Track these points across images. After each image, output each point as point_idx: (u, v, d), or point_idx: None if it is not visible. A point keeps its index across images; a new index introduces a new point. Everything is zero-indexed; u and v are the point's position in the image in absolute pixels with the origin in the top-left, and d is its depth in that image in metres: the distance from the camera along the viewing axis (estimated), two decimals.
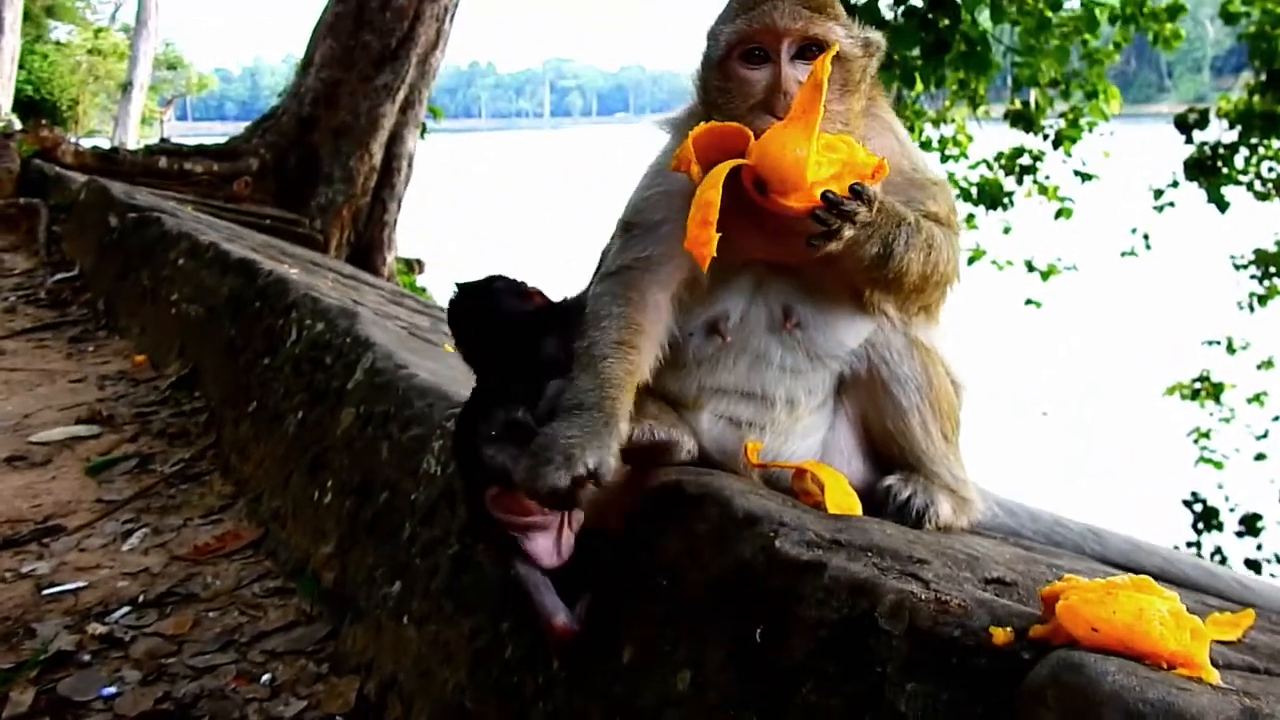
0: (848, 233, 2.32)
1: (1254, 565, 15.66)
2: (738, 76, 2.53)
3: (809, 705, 1.86)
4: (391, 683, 3.14)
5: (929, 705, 1.71)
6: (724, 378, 2.66)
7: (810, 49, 2.48)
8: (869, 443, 2.73)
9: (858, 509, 2.44)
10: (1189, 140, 16.72)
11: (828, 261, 2.40)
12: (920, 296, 2.60)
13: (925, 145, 17.90)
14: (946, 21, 12.16)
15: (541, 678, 2.48)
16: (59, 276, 10.01)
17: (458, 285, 2.87)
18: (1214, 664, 1.63)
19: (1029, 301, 18.63)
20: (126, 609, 4.01)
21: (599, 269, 2.83)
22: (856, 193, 2.29)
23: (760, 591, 2.04)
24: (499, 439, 2.47)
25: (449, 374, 4.01)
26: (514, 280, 2.87)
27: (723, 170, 2.28)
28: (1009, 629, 1.72)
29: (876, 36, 2.68)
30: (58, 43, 41.11)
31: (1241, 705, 1.47)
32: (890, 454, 2.71)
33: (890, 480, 2.63)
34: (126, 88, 34.05)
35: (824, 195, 2.27)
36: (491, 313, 2.78)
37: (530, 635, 2.56)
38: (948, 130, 18.50)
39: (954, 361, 2.75)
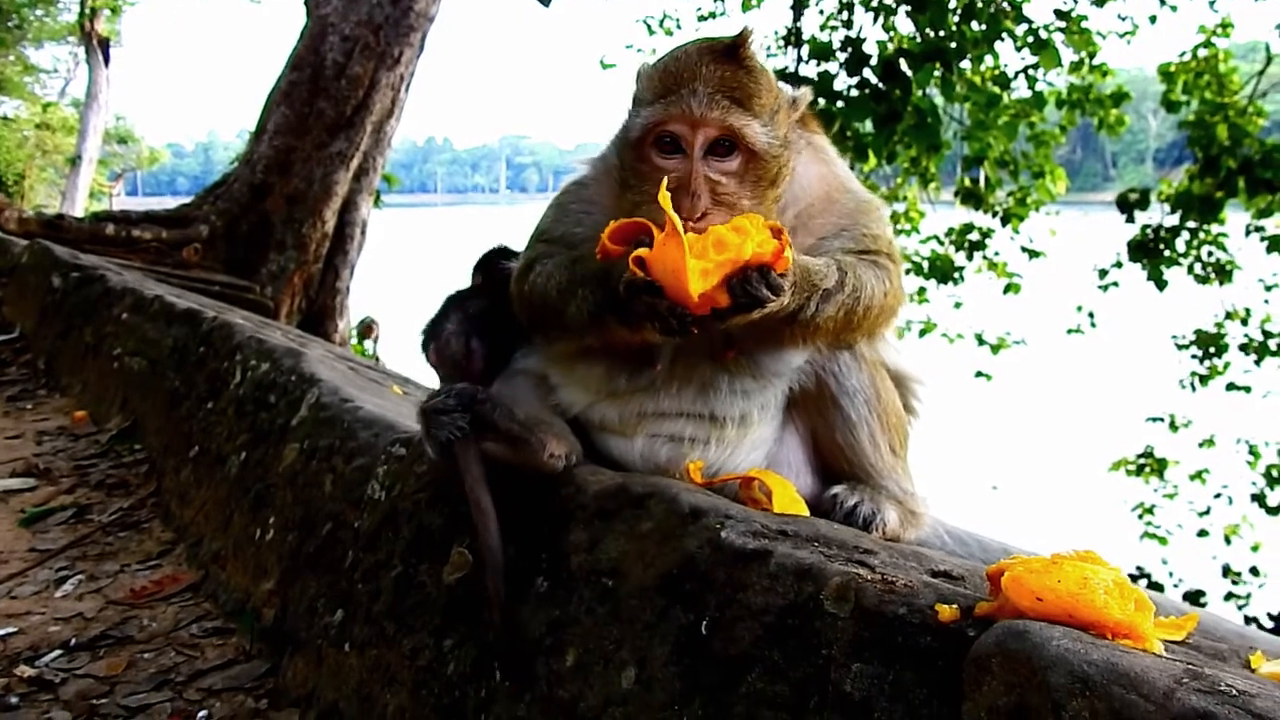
0: (758, 314, 2.34)
1: None
2: (650, 162, 2.52)
3: (755, 693, 1.83)
4: (332, 712, 3.06)
5: (875, 684, 1.69)
6: (667, 403, 2.65)
7: (725, 143, 2.46)
8: (818, 457, 2.74)
9: (806, 514, 2.43)
10: (1130, 219, 17.10)
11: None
12: (850, 335, 2.62)
13: None
14: (898, 94, 12.40)
15: (484, 690, 2.43)
16: None
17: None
18: None
19: (979, 374, 18.85)
20: (58, 652, 3.88)
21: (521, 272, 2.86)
22: (750, 294, 2.29)
23: (706, 583, 2.02)
24: (460, 310, 3.13)
25: (395, 408, 3.97)
26: None
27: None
28: (955, 607, 1.71)
29: (802, 92, 2.72)
30: (4, 118, 40.83)
31: (1185, 667, 1.46)
32: (839, 468, 2.71)
33: (837, 489, 2.63)
34: (75, 161, 33.80)
35: (714, 312, 2.30)
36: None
37: (473, 649, 2.51)
38: (899, 207, 18.82)
39: (902, 361, 2.78)
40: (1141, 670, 1.42)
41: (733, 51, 2.54)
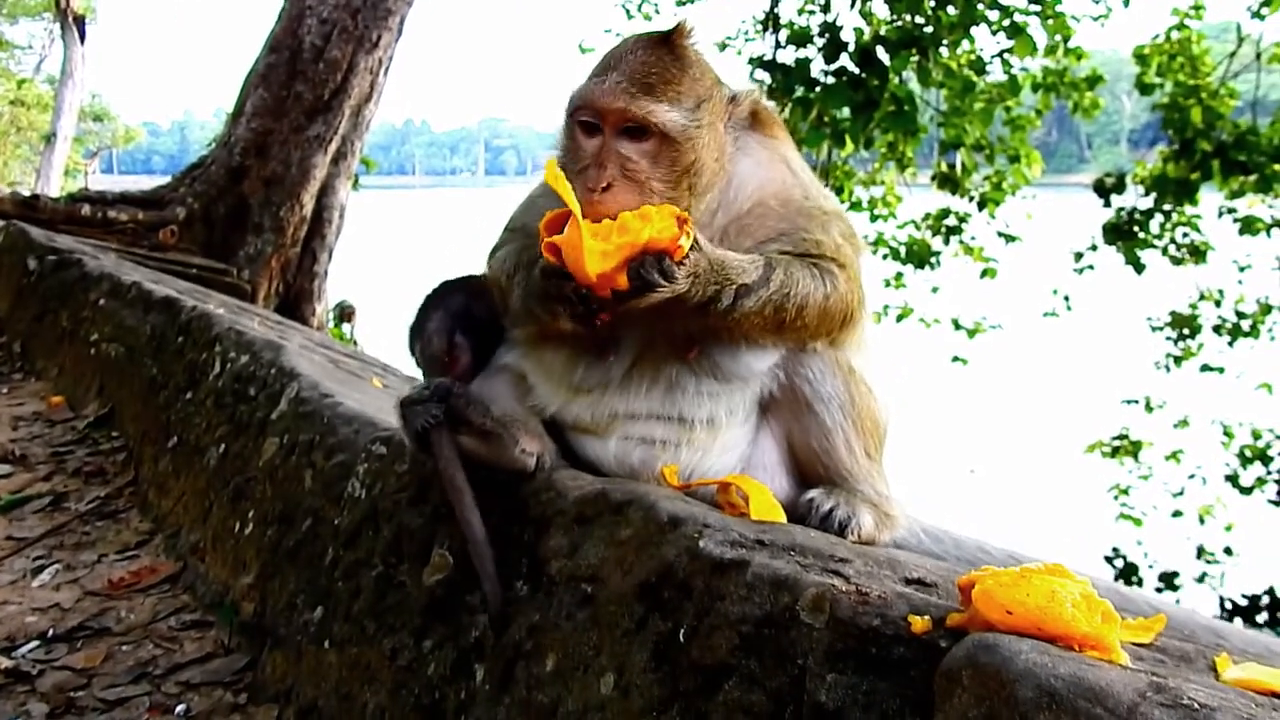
0: (655, 299, 2.39)
1: None
2: (576, 139, 2.63)
3: (732, 701, 1.86)
4: (311, 709, 3.08)
5: (849, 694, 1.72)
6: (637, 404, 2.69)
7: (638, 126, 2.54)
8: (793, 460, 2.76)
9: (782, 519, 2.46)
10: (1107, 204, 17.23)
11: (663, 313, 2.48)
12: (793, 335, 2.65)
13: (855, 205, 18.26)
14: (876, 81, 12.42)
15: (464, 691, 2.46)
16: None
17: None
18: None
19: (955, 359, 18.94)
20: (35, 643, 3.89)
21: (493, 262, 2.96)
22: (643, 278, 2.36)
23: (684, 591, 2.05)
24: (442, 308, 3.08)
25: (375, 403, 3.98)
26: None
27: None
28: (927, 618, 1.74)
29: (744, 90, 2.77)
30: None
31: (1149, 680, 1.50)
32: (815, 472, 2.74)
33: (813, 493, 2.66)
34: (50, 139, 33.35)
35: (615, 294, 2.38)
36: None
37: (453, 650, 2.53)
38: (877, 191, 18.86)
39: (878, 380, 2.79)
40: (1107, 684, 1.46)
41: (666, 40, 2.63)
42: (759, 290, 2.51)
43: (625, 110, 2.53)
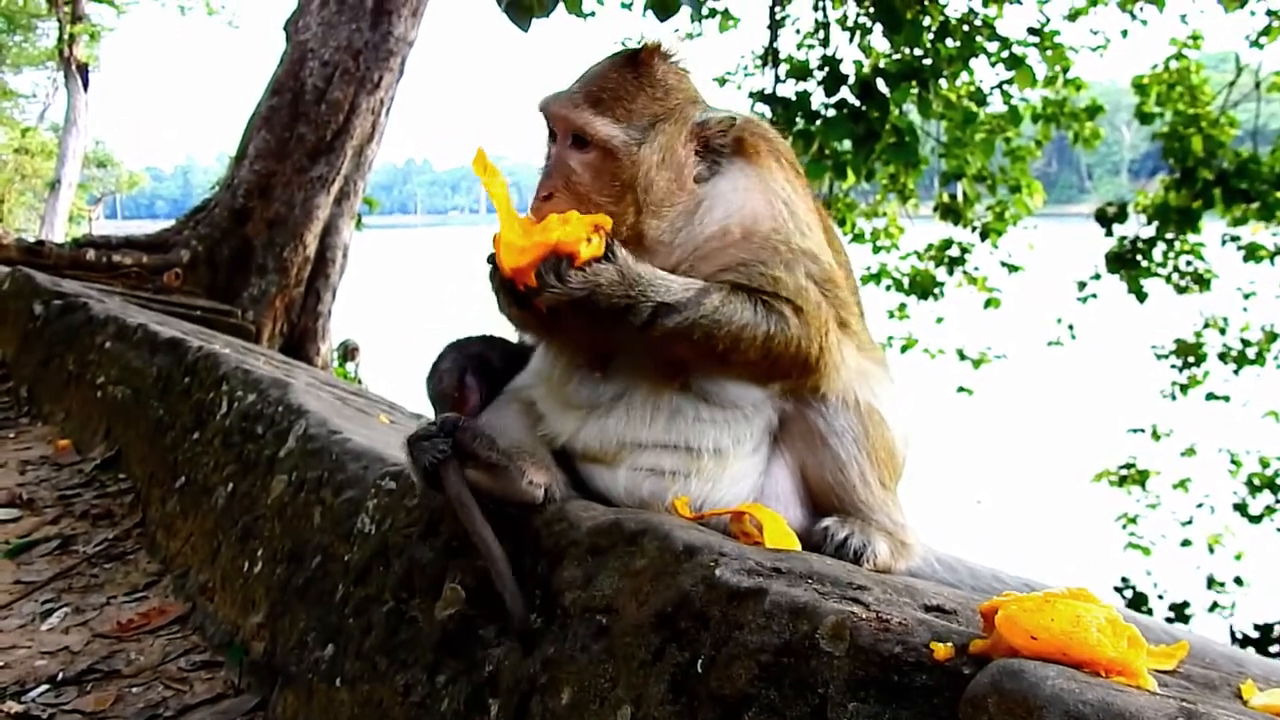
0: (549, 298, 2.46)
1: None
2: (547, 147, 2.73)
3: None
4: None
5: None
6: (643, 433, 2.66)
7: (583, 137, 2.61)
8: (807, 490, 2.74)
9: (797, 548, 2.44)
10: (1109, 233, 17.28)
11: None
12: (739, 370, 2.60)
13: (858, 237, 18.35)
14: (876, 113, 12.49)
15: None
16: None
17: None
18: None
19: (961, 389, 18.94)
20: (44, 687, 3.85)
21: None
22: (540, 277, 2.44)
23: (701, 621, 2.03)
24: (458, 349, 3.10)
25: (383, 439, 3.96)
26: None
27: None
28: (950, 644, 1.72)
29: (723, 116, 2.69)
30: None
31: (1179, 705, 1.48)
32: (829, 502, 2.71)
33: (828, 521, 2.64)
34: (54, 186, 33.57)
35: (527, 289, 2.50)
36: None
37: (467, 685, 2.50)
38: (879, 223, 18.94)
39: (892, 411, 2.76)
40: (1136, 710, 1.43)
41: (634, 58, 2.67)
42: (684, 311, 2.47)
43: (566, 119, 2.61)
